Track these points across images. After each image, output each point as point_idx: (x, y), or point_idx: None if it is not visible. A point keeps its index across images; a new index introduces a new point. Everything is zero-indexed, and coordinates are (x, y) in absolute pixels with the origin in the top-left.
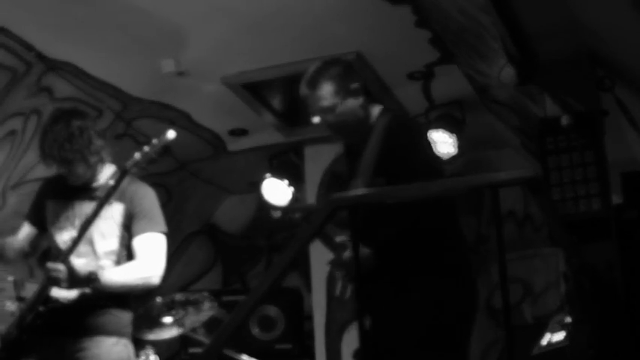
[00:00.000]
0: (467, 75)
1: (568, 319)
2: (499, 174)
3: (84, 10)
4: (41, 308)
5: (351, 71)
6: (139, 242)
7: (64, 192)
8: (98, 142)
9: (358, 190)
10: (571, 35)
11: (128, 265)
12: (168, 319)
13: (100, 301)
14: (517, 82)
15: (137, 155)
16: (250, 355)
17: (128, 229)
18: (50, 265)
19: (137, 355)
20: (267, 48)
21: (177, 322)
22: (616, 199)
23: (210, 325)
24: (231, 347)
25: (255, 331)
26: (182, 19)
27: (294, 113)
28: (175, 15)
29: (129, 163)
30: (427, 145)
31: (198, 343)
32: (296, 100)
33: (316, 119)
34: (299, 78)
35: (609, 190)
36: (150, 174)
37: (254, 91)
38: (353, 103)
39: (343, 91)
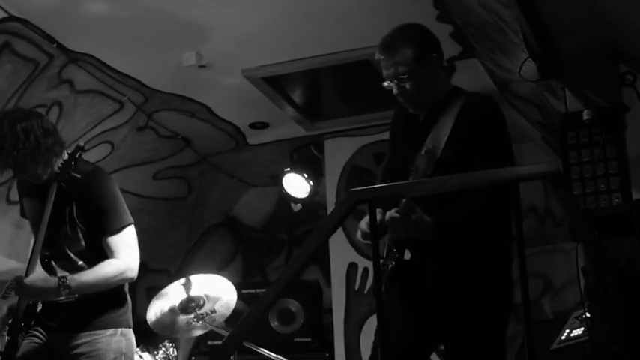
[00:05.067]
0: (488, 69)
1: (587, 315)
2: (520, 168)
3: (105, 2)
4: (23, 323)
5: (432, 39)
6: (107, 241)
7: (33, 189)
8: (48, 141)
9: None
10: (594, 30)
11: (101, 265)
12: (188, 317)
13: (92, 295)
14: (538, 77)
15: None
16: (269, 348)
17: (92, 229)
18: (15, 282)
19: (157, 348)
20: (289, 42)
21: (197, 316)
22: (636, 194)
23: (229, 317)
24: (251, 340)
25: (275, 324)
26: (204, 13)
27: (315, 107)
28: (197, 8)
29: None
30: (502, 130)
31: (218, 336)
32: (317, 93)
33: (386, 84)
34: (320, 72)
35: (630, 186)
36: (171, 167)
37: (275, 84)
38: (429, 73)
39: (420, 59)
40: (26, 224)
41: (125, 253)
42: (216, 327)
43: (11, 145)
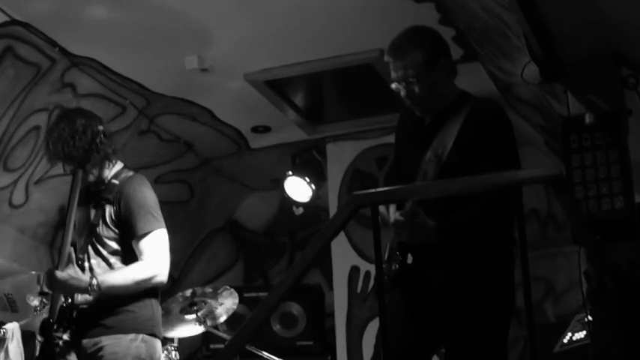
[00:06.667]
0: (490, 73)
1: (589, 318)
2: (522, 172)
3: (108, 6)
4: (64, 304)
5: (442, 44)
6: (137, 243)
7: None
8: (103, 141)
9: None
10: (596, 33)
11: (131, 267)
12: (189, 316)
13: (117, 299)
14: (540, 81)
15: None
16: (271, 351)
17: (124, 231)
18: (47, 273)
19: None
20: (291, 45)
21: (198, 319)
22: (639, 198)
23: (231, 321)
24: (253, 344)
25: (277, 327)
26: (206, 16)
27: (317, 110)
28: (199, 12)
29: None
30: (508, 136)
31: (220, 340)
32: (319, 97)
33: (394, 86)
34: (322, 75)
35: (632, 189)
36: (173, 171)
37: (277, 88)
38: (438, 77)
39: (430, 63)
40: (28, 228)
41: (152, 257)
42: (213, 328)
43: (69, 135)
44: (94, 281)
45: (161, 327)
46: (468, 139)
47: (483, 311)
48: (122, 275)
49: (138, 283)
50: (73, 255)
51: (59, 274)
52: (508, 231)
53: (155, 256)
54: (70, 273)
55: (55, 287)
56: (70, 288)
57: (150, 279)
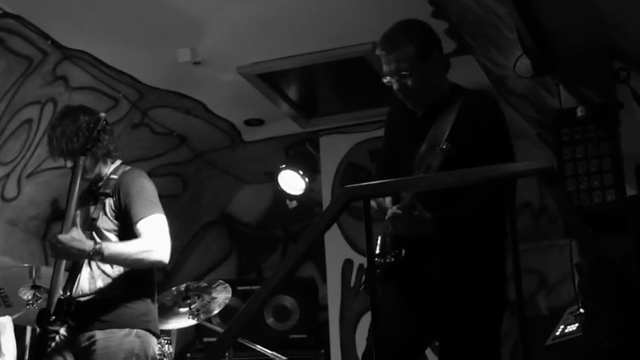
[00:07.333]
0: (483, 66)
1: (581, 311)
2: (515, 165)
3: None
4: (62, 296)
5: (434, 36)
6: (136, 227)
7: (84, 198)
8: (106, 137)
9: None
10: (588, 26)
11: (132, 240)
12: (183, 309)
13: (114, 292)
14: (532, 74)
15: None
16: (265, 344)
17: (124, 222)
18: (52, 237)
19: None
20: (283, 38)
21: (191, 312)
22: (630, 190)
23: (224, 314)
24: (246, 337)
25: (270, 320)
26: (198, 9)
27: (311, 103)
28: (192, 4)
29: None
30: (501, 126)
31: (213, 333)
32: (312, 90)
33: (386, 80)
34: (315, 68)
35: (623, 182)
36: (166, 164)
37: (270, 81)
38: (430, 70)
39: (422, 56)
40: (20, 221)
41: (151, 235)
42: (206, 321)
43: (72, 132)
44: (98, 246)
45: (157, 323)
46: (461, 131)
47: (483, 311)
48: (124, 245)
49: (139, 254)
50: (78, 220)
51: (62, 236)
52: (500, 222)
53: (154, 235)
54: (74, 235)
55: (58, 251)
56: (73, 250)
57: (150, 251)
